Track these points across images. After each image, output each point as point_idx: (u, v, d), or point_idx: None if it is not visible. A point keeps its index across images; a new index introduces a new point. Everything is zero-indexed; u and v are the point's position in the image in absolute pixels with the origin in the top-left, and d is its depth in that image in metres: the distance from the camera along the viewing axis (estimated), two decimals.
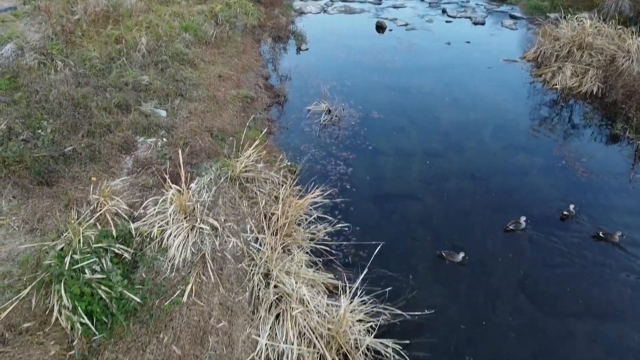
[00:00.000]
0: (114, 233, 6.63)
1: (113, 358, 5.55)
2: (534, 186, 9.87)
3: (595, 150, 11.20)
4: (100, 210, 6.91)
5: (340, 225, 8.35)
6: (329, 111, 12.03)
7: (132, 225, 6.88)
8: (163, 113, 9.82)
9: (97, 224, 6.79)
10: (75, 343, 5.58)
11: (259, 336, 6.22)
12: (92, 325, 5.63)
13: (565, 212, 8.95)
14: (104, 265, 6.11)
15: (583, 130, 12.09)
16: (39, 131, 8.14)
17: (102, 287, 5.81)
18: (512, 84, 14.34)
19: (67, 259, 5.82)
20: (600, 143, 11.56)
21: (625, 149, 11.22)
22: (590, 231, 8.64)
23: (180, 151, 7.48)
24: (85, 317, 5.59)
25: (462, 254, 7.92)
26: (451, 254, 7.96)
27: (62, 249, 6.15)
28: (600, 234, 8.47)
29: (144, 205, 7.22)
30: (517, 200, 9.41)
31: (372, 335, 6.41)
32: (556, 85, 13.84)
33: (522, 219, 8.66)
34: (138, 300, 5.97)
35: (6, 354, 5.32)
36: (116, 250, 6.43)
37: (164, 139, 9.00)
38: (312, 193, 8.26)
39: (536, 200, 9.40)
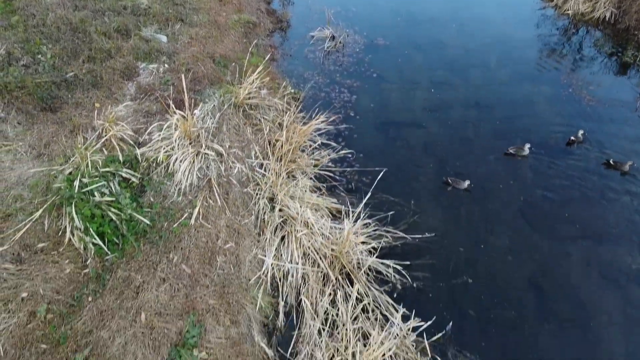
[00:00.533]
0: (121, 158, 6.72)
1: (126, 276, 5.80)
2: (539, 114, 9.81)
3: (604, 78, 11.02)
4: (105, 135, 6.94)
5: (343, 151, 8.43)
6: (333, 37, 11.74)
7: (138, 151, 6.95)
8: (164, 38, 9.60)
9: (104, 149, 6.86)
10: (89, 262, 5.82)
11: (265, 256, 6.46)
12: (104, 245, 5.86)
13: (572, 138, 8.94)
14: (113, 188, 6.25)
15: (592, 58, 11.82)
16: (39, 56, 8.03)
17: (112, 210, 5.98)
18: (521, 10, 13.88)
19: (76, 183, 5.94)
20: (609, 71, 11.34)
21: (634, 77, 11.04)
22: (594, 158, 8.70)
23: (182, 77, 7.39)
24: (97, 238, 5.80)
25: (467, 182, 8.00)
26: (457, 181, 8.05)
27: (70, 173, 6.26)
28: (611, 162, 8.50)
29: (148, 131, 7.26)
30: (521, 128, 9.39)
31: (374, 256, 6.65)
32: (568, 10, 13.39)
33: (527, 146, 8.67)
34: (147, 222, 6.16)
35: (24, 271, 5.57)
36: (124, 175, 6.55)
37: (166, 65, 8.87)
38: (316, 119, 8.25)
39: (540, 128, 9.39)
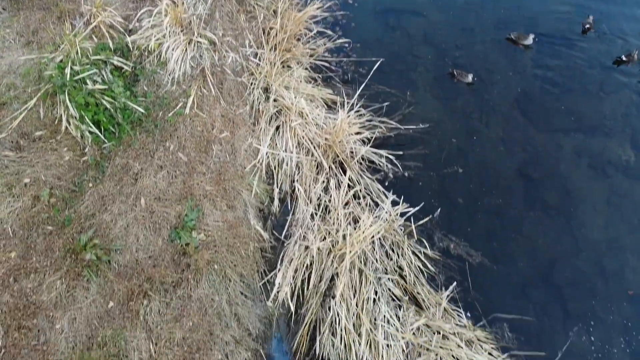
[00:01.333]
0: (111, 46, 6.58)
1: (124, 163, 5.97)
2: (547, 1, 9.35)
3: None
4: (94, 22, 6.73)
5: (340, 41, 8.17)
6: None
7: (129, 39, 6.77)
8: None
9: (93, 36, 6.69)
10: (87, 150, 5.96)
11: (260, 145, 6.57)
12: (101, 133, 5.96)
13: (587, 26, 8.57)
14: (105, 77, 6.20)
15: None
16: None
17: (106, 98, 5.98)
18: None
19: (68, 70, 5.88)
20: None
21: None
22: (597, 48, 8.43)
23: None
24: (93, 126, 5.88)
25: (471, 75, 7.83)
26: (462, 73, 7.87)
27: (61, 61, 6.16)
28: (623, 58, 8.20)
29: (137, 17, 7.01)
30: (526, 16, 8.96)
31: (368, 145, 6.76)
32: None
33: (531, 36, 8.35)
34: (142, 110, 6.20)
35: (24, 158, 5.74)
36: (115, 63, 6.45)
37: None
38: (312, 6, 7.93)
39: (547, 16, 8.95)
